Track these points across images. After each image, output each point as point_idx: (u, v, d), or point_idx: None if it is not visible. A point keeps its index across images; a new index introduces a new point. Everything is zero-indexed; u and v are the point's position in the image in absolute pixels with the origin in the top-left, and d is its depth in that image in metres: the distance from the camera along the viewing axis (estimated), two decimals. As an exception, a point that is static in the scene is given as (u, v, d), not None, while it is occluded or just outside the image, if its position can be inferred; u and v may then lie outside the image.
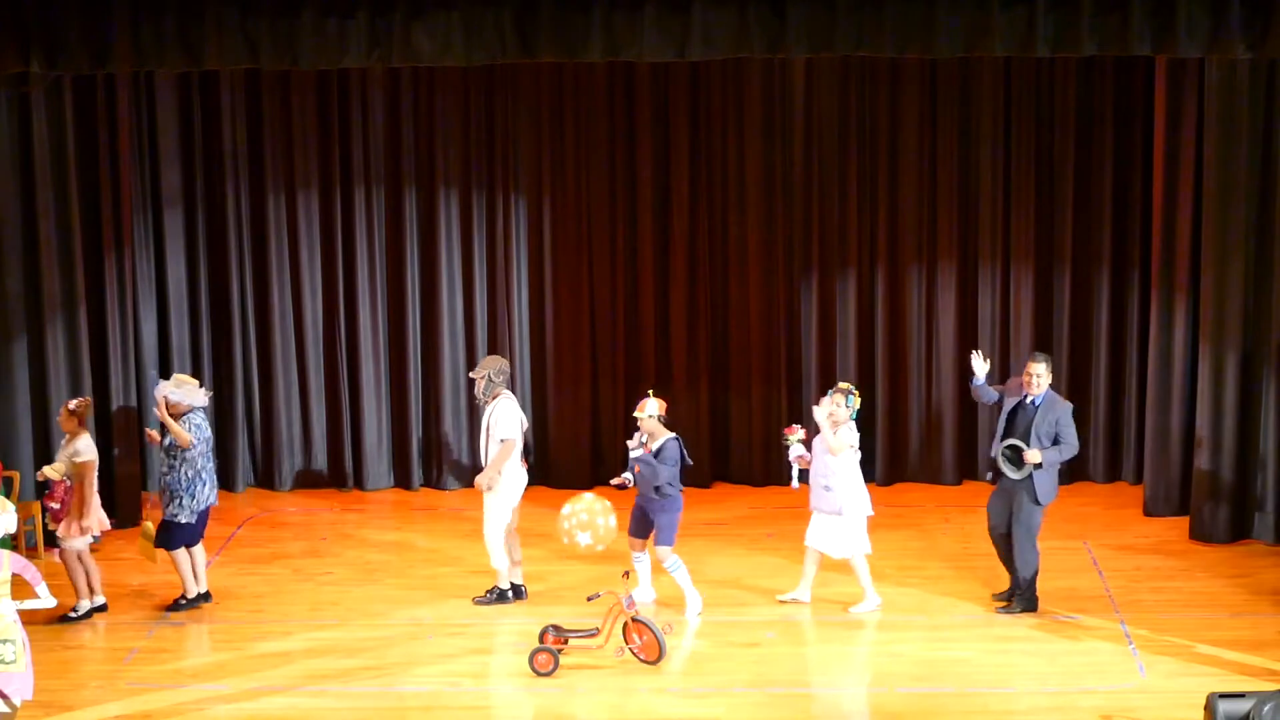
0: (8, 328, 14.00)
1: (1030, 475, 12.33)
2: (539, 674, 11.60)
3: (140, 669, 11.89)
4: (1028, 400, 12.45)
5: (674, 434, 12.59)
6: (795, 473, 12.76)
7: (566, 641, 11.80)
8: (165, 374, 15.85)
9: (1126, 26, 11.65)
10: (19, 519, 13.20)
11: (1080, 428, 15.73)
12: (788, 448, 12.74)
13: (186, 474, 12.71)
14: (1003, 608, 12.69)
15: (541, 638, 11.76)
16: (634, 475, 12.54)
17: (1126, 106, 15.28)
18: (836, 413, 12.50)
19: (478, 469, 15.93)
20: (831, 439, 12.47)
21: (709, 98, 15.51)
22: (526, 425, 13.18)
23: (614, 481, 12.81)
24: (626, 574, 12.19)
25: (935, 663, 11.79)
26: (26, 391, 14.19)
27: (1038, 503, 12.38)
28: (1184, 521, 14.39)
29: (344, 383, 16.00)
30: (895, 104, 15.44)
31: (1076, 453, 12.57)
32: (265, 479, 16.11)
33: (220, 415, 15.94)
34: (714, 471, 16.00)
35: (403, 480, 16.10)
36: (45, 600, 10.55)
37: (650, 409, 12.52)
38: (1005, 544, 12.62)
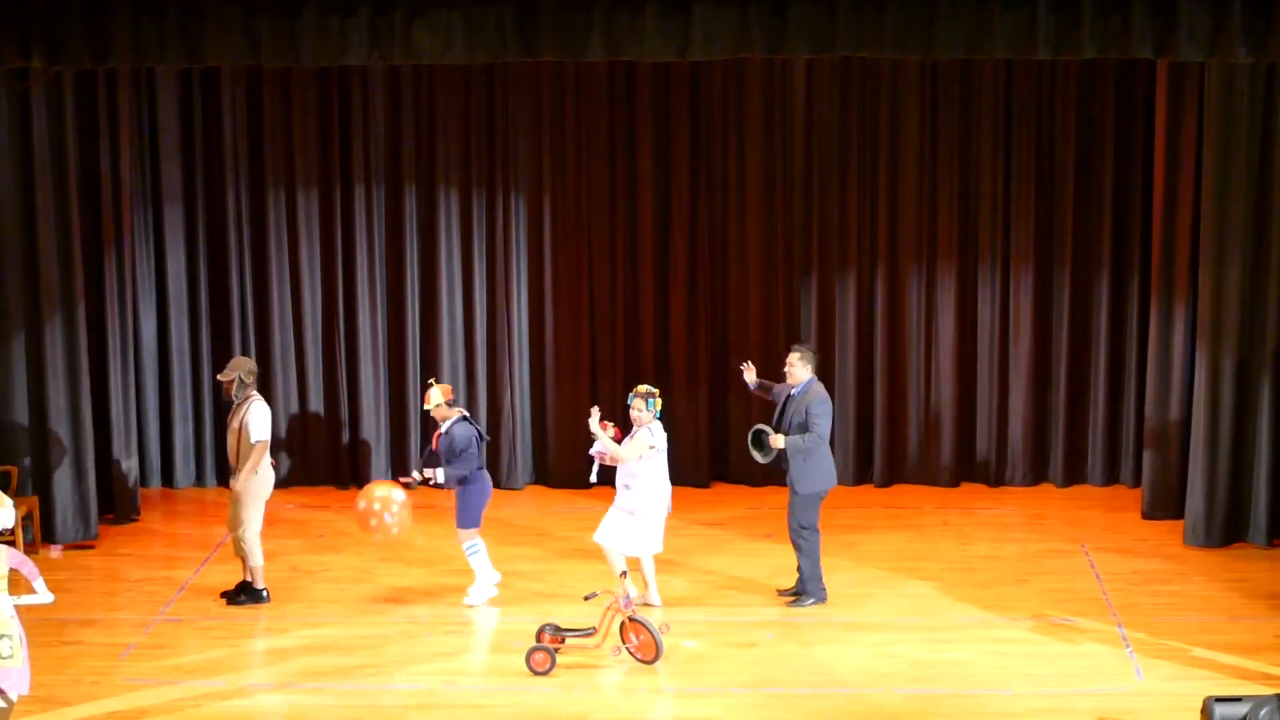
0: (6, 324, 13.98)
1: (786, 466, 12.47)
2: (536, 673, 11.59)
3: (137, 665, 11.88)
4: (793, 391, 12.57)
5: (461, 414, 12.73)
6: (595, 468, 12.79)
7: (563, 640, 11.79)
8: (165, 372, 15.87)
9: (1127, 29, 11.65)
10: (17, 515, 13.19)
11: (1079, 429, 15.87)
12: (594, 440, 12.75)
13: None
14: (792, 601, 12.75)
15: (538, 637, 11.75)
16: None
17: (1127, 108, 15.26)
18: (640, 416, 12.47)
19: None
20: (616, 449, 12.41)
21: (709, 98, 15.51)
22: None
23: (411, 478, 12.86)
24: (624, 574, 12.19)
25: (933, 664, 11.78)
26: (24, 388, 14.17)
27: (796, 492, 12.51)
28: (1182, 524, 14.36)
29: (343, 382, 15.99)
30: (895, 104, 15.44)
31: (824, 441, 12.50)
32: (264, 477, 16.08)
33: (220, 415, 15.93)
34: (712, 471, 16.00)
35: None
36: (43, 596, 10.53)
37: (434, 398, 12.69)
38: None
